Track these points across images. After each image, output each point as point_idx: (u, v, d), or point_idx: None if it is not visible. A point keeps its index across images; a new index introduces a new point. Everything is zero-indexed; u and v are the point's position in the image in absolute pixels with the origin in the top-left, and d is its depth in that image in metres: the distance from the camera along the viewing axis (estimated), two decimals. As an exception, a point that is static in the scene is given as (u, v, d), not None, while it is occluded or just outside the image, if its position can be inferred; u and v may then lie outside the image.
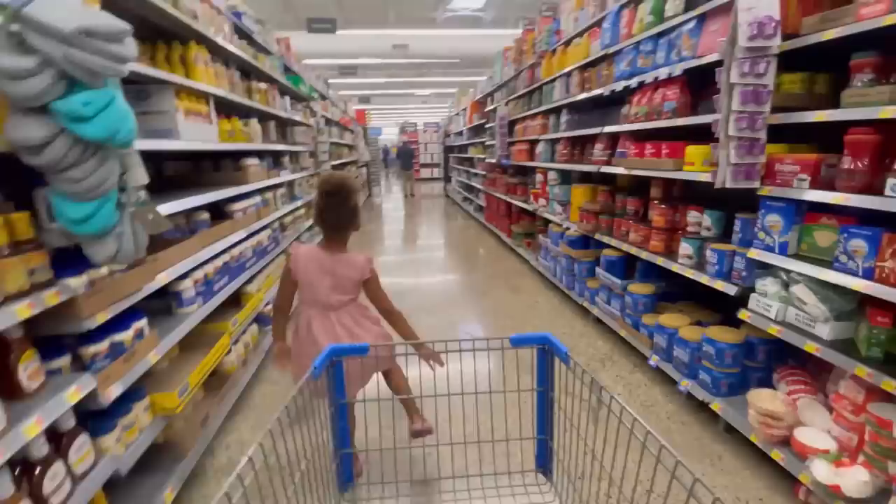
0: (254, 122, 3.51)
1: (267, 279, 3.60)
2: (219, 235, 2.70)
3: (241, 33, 3.76)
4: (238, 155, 3.44)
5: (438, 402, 1.36)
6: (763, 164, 2.07)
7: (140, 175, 1.47)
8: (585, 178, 4.60)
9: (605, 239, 3.52)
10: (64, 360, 1.57)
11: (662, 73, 2.74)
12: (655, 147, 2.87)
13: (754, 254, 2.14)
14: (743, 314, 2.22)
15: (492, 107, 7.58)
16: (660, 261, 2.86)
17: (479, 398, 1.30)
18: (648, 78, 2.89)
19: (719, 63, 2.08)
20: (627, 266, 3.40)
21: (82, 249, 1.43)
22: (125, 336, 1.76)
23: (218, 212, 3.04)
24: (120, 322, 1.75)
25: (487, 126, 7.81)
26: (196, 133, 2.49)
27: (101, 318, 1.57)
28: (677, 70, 2.63)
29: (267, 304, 3.52)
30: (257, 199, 3.50)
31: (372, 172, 14.86)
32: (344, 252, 1.86)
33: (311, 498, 1.05)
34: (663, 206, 2.95)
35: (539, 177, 5.30)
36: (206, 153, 3.37)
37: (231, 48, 3.07)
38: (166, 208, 2.07)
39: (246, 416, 2.70)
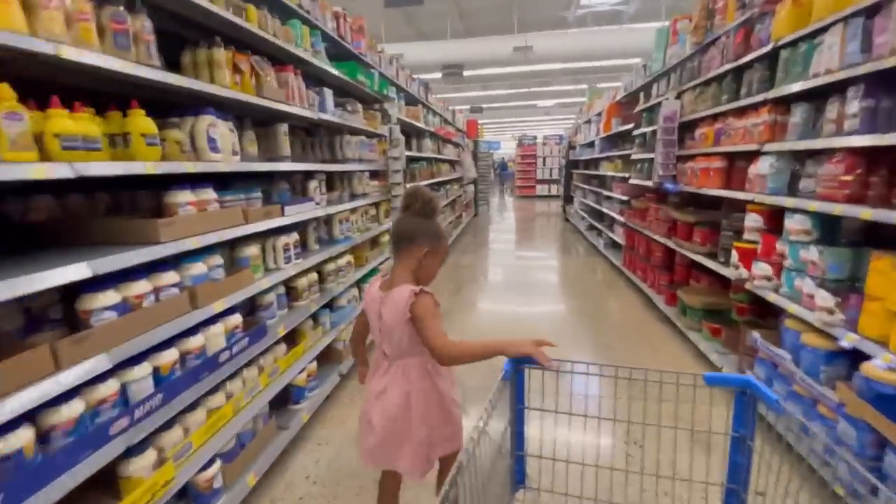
0: (204, 121, 1.82)
1: (216, 414, 1.88)
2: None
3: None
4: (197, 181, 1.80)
5: (617, 426, 1.51)
6: None
7: None
8: (874, 236, 2.17)
9: None
10: None
11: None
12: None
13: None
14: None
15: (645, 105, 5.24)
16: None
17: (659, 432, 1.27)
18: None
19: None
20: None
21: None
22: None
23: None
24: None
25: (637, 133, 5.47)
26: None
27: None
28: None
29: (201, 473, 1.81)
30: (198, 266, 1.81)
31: (480, 191, 13.09)
32: (398, 285, 1.45)
33: (492, 494, 1.08)
34: None
35: (754, 219, 2.91)
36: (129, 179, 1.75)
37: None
38: None
39: None
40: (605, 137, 7.77)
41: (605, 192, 7.52)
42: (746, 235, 2.98)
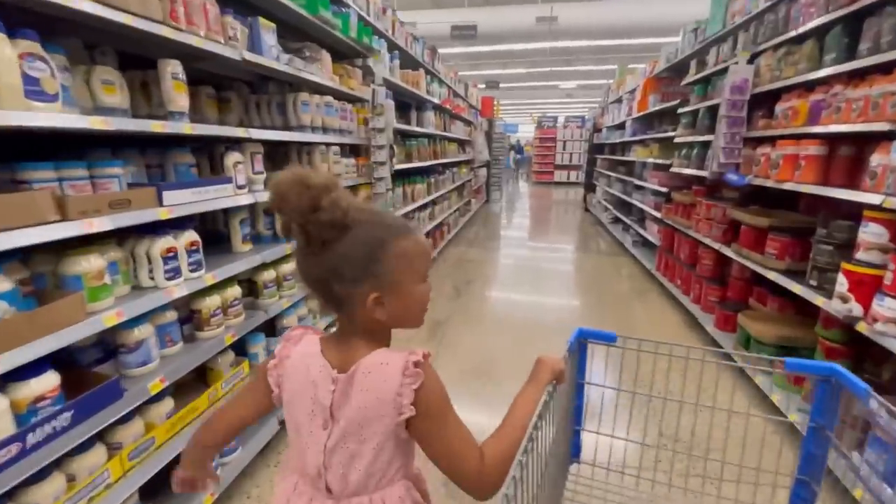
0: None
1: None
2: None
3: None
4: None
5: (684, 409, 1.27)
6: None
7: None
8: None
9: None
10: None
11: None
12: None
13: None
14: None
15: (698, 75, 4.23)
16: None
17: (730, 418, 1.21)
18: None
19: None
20: None
21: None
22: None
23: None
24: None
25: (684, 110, 4.48)
26: None
27: None
28: None
29: None
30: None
31: (493, 175, 12.13)
32: (370, 349, 0.77)
33: (554, 466, 1.04)
34: None
35: (876, 232, 1.98)
36: None
37: None
38: None
39: None
40: (638, 118, 6.73)
41: (636, 182, 6.53)
42: (862, 255, 2.05)
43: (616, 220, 7.95)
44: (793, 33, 2.73)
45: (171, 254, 1.55)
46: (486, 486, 0.73)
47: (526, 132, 25.99)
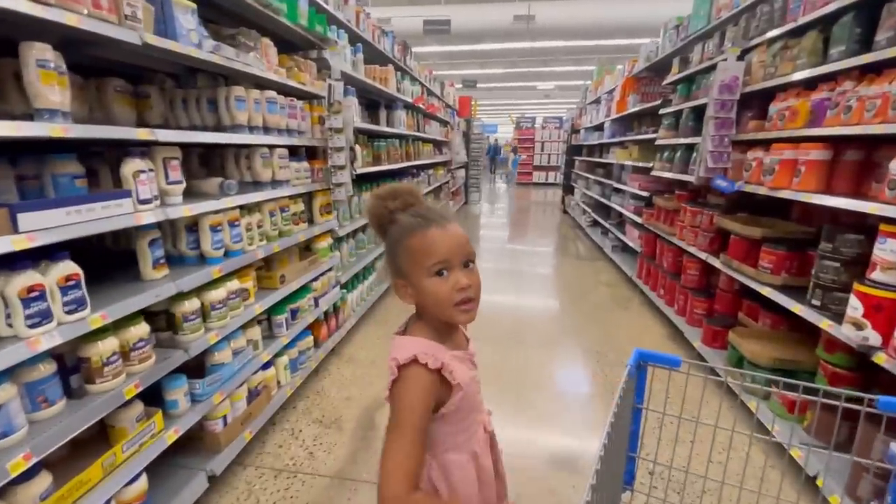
0: None
1: None
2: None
3: None
4: None
5: (756, 445, 1.35)
6: None
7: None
8: None
9: None
10: None
11: None
12: None
13: None
14: None
15: (681, 73, 4.00)
16: None
17: (808, 456, 1.30)
18: None
19: None
20: None
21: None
22: None
23: None
24: None
25: (666, 111, 4.25)
26: None
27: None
28: None
29: None
30: None
31: (471, 176, 11.85)
32: (414, 325, 0.94)
33: (605, 494, 0.98)
34: None
35: (895, 249, 1.75)
36: None
37: None
38: None
39: None
40: (617, 119, 6.53)
41: (615, 184, 6.33)
42: (879, 275, 1.81)
43: (595, 224, 7.75)
44: (791, 25, 2.50)
45: (34, 293, 1.19)
46: (381, 496, 0.76)
47: (504, 133, 25.82)
